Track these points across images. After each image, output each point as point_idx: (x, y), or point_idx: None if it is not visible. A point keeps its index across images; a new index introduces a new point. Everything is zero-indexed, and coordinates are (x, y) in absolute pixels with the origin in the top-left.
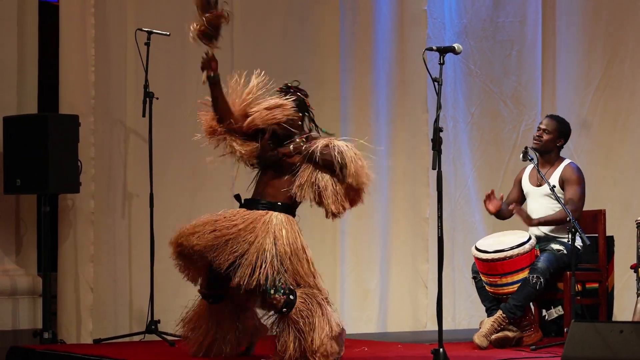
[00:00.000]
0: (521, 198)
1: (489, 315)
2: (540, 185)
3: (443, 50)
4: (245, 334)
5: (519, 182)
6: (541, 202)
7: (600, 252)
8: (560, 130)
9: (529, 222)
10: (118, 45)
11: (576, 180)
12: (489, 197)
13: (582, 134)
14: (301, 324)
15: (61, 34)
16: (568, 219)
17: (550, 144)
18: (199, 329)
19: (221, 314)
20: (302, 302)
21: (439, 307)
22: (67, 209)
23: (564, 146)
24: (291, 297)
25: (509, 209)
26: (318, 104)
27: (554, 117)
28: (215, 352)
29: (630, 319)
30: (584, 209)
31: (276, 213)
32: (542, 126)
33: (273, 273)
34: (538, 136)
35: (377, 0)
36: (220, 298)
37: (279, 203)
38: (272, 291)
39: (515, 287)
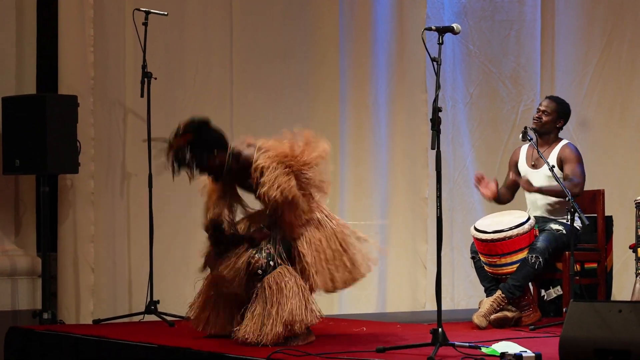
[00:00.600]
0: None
1: (487, 295)
2: (535, 166)
3: (442, 30)
4: None
5: (514, 165)
6: (539, 183)
7: (599, 232)
8: (560, 111)
9: (529, 188)
10: (116, 25)
11: (575, 158)
12: (480, 181)
13: (580, 114)
14: (268, 293)
15: (60, 14)
16: (567, 198)
17: (550, 125)
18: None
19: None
20: (280, 273)
21: (438, 287)
22: (67, 189)
23: (563, 127)
24: (271, 262)
25: (510, 179)
26: (317, 85)
27: (553, 98)
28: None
29: (629, 299)
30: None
31: None
32: (542, 107)
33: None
34: (538, 117)
35: None
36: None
37: None
38: (256, 253)
39: (514, 267)
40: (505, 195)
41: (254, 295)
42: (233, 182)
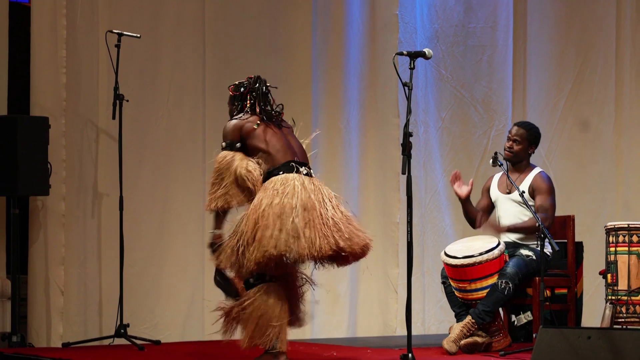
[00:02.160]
0: (490, 206)
1: (458, 321)
2: (509, 192)
3: (414, 55)
4: None
5: (487, 191)
6: (510, 210)
7: (569, 258)
8: (530, 139)
9: (499, 229)
10: (89, 47)
11: (546, 189)
12: (456, 178)
13: (553, 140)
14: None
15: (32, 35)
16: (537, 224)
17: (522, 154)
18: None
19: None
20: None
21: (408, 312)
22: (37, 211)
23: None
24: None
25: (483, 203)
26: (289, 109)
27: (523, 125)
28: None
29: (598, 325)
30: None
31: None
32: (512, 136)
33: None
34: (509, 147)
35: (349, 4)
36: None
37: None
38: None
39: (484, 292)
40: (482, 216)
41: None
42: None
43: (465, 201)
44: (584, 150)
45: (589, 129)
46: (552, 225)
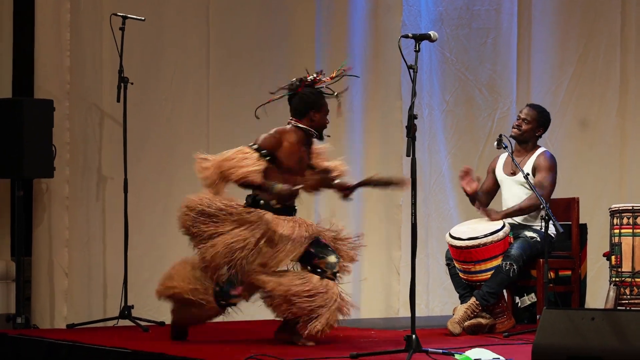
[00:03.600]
0: (495, 187)
1: (462, 302)
2: (514, 174)
3: (419, 38)
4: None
5: (492, 171)
6: (515, 191)
7: (574, 240)
8: (540, 120)
9: (494, 217)
10: (93, 30)
11: (547, 167)
12: (466, 174)
13: (555, 122)
14: None
15: (36, 18)
16: (542, 206)
17: (529, 134)
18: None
19: None
20: None
21: (412, 294)
22: (42, 193)
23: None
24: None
25: (487, 185)
26: None
27: (534, 107)
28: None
29: (602, 307)
30: (557, 196)
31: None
32: (522, 115)
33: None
34: (517, 125)
35: None
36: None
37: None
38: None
39: (488, 274)
40: (483, 198)
41: None
42: None
43: (472, 196)
44: (587, 133)
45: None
46: (549, 202)
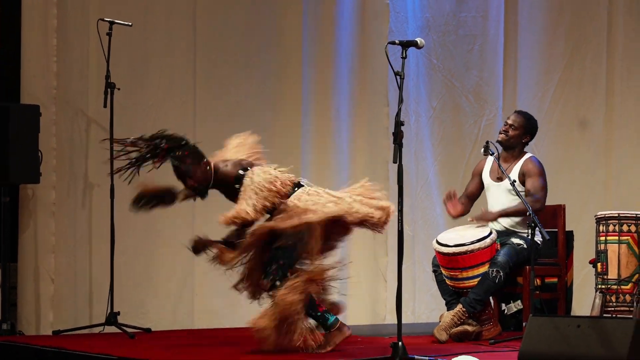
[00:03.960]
0: (479, 190)
1: (448, 309)
2: (500, 179)
3: (405, 44)
4: None
5: (478, 174)
6: (500, 198)
7: (560, 247)
8: (527, 127)
9: (487, 218)
10: (80, 35)
11: (537, 172)
12: (450, 197)
13: (542, 129)
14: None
15: (23, 23)
16: (528, 213)
17: (516, 140)
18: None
19: None
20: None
21: (399, 301)
22: (28, 199)
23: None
24: (277, 283)
25: (468, 220)
26: (280, 96)
27: (522, 113)
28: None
29: (588, 314)
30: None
31: None
32: (510, 121)
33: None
34: (504, 130)
35: None
36: None
37: None
38: (263, 278)
39: (475, 281)
40: (466, 204)
41: None
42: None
43: (456, 218)
44: (573, 139)
45: (579, 121)
46: (544, 207)
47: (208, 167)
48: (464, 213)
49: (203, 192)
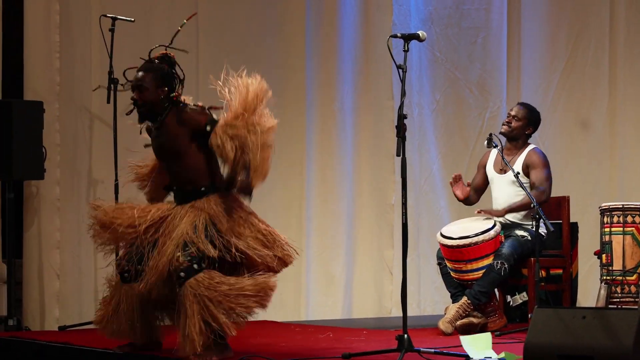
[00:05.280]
0: (485, 183)
1: (453, 302)
2: (504, 172)
3: (407, 38)
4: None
5: (483, 167)
6: (505, 190)
7: (564, 238)
8: (530, 119)
9: (497, 214)
10: (83, 31)
11: (540, 163)
12: (456, 180)
13: (546, 120)
14: (188, 304)
15: (25, 19)
16: (532, 205)
17: (519, 131)
18: (109, 307)
19: (133, 297)
20: (201, 280)
21: (404, 294)
22: (32, 195)
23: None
24: (195, 266)
25: (476, 212)
26: (283, 90)
27: (525, 105)
28: (120, 335)
29: (593, 305)
30: None
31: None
32: (513, 113)
33: (186, 240)
34: (507, 122)
35: None
36: (136, 276)
37: (203, 188)
38: (178, 253)
39: (480, 273)
40: (473, 196)
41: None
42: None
43: (464, 200)
44: (577, 130)
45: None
46: (549, 199)
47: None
48: (471, 201)
49: (142, 116)
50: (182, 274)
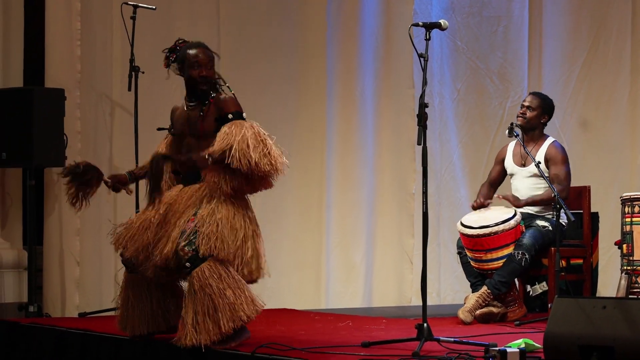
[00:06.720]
0: (502, 177)
1: (473, 291)
2: (524, 165)
3: (429, 26)
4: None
5: (501, 161)
6: (526, 183)
7: (585, 228)
8: (544, 107)
9: (517, 203)
10: (104, 18)
11: (561, 159)
12: (480, 206)
13: (567, 111)
14: (198, 296)
15: (47, 7)
16: (553, 195)
17: (535, 121)
18: (123, 304)
19: (141, 287)
20: (208, 269)
21: (424, 282)
22: (53, 182)
23: (549, 123)
24: (199, 255)
25: (495, 196)
26: (304, 80)
27: (536, 94)
28: (136, 329)
29: (614, 295)
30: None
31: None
32: (526, 103)
33: (190, 231)
34: (522, 113)
35: None
36: (141, 264)
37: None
38: (183, 243)
39: (500, 262)
40: (490, 192)
41: (183, 297)
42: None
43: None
44: (598, 121)
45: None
46: (567, 197)
47: None
48: (491, 193)
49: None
50: (187, 264)
